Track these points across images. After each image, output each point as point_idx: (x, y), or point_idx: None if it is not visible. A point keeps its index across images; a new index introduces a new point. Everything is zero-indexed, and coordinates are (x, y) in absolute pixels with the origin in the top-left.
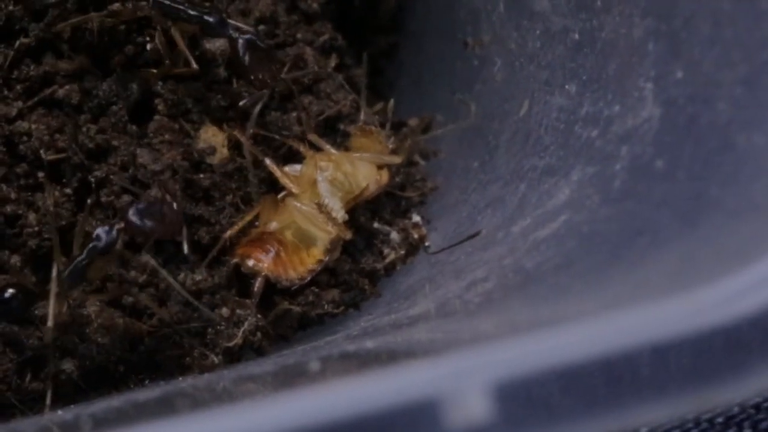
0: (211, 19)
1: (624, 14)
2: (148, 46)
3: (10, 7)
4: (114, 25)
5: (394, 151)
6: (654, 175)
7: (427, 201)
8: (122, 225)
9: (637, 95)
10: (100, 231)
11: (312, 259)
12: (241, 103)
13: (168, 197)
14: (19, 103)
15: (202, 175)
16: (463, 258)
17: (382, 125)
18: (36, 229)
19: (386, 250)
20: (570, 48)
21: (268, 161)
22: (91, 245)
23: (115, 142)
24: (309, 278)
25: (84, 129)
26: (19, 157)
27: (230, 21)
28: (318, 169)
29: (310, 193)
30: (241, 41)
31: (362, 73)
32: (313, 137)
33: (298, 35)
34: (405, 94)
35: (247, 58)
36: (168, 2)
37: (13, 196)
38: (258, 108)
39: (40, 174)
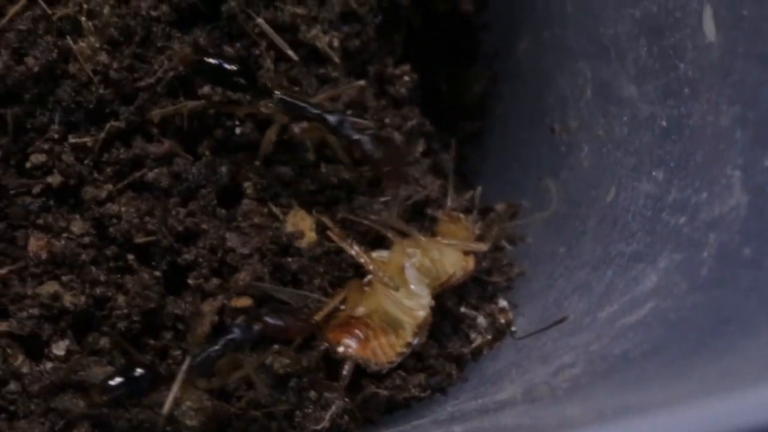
0: (332, 119)
1: (711, 102)
2: (237, 131)
3: (101, 91)
4: (204, 109)
5: (480, 238)
6: (742, 263)
7: (514, 286)
8: (261, 324)
9: (725, 182)
10: (237, 326)
11: (400, 343)
12: (382, 200)
13: None
14: (109, 186)
15: (290, 259)
16: (549, 343)
17: (469, 211)
18: (125, 311)
19: (473, 335)
20: (657, 135)
21: (355, 249)
22: (228, 338)
23: (204, 226)
24: (398, 362)
25: (173, 212)
26: (109, 239)
27: (350, 118)
28: (405, 256)
29: (397, 279)
30: (365, 139)
31: (449, 158)
32: (399, 223)
33: (387, 120)
34: (491, 179)
35: (376, 153)
36: (292, 100)
37: (102, 278)
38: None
39: (130, 256)
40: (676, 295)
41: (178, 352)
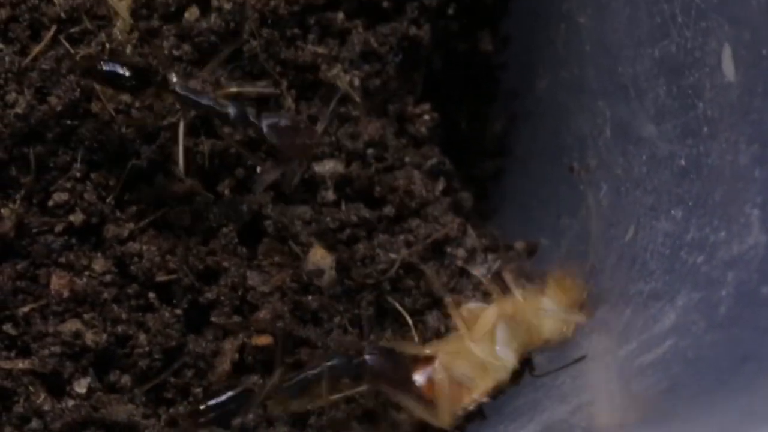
0: (232, 111)
1: (730, 141)
2: (258, 170)
3: (123, 130)
4: (225, 149)
5: (582, 306)
6: (760, 302)
7: None
8: (362, 359)
9: (743, 221)
10: (338, 356)
11: (467, 398)
12: (290, 183)
13: None
14: (131, 225)
15: (310, 297)
16: (568, 381)
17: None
18: (146, 349)
19: None
20: (676, 174)
21: (448, 299)
22: (329, 364)
23: (225, 264)
24: (457, 416)
25: (194, 251)
26: (130, 277)
27: (249, 108)
28: (500, 316)
29: (485, 337)
30: (264, 127)
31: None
32: (507, 276)
33: (407, 159)
34: (510, 217)
35: (276, 138)
36: (186, 93)
37: (124, 316)
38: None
39: (151, 295)
40: (694, 334)
41: (198, 390)
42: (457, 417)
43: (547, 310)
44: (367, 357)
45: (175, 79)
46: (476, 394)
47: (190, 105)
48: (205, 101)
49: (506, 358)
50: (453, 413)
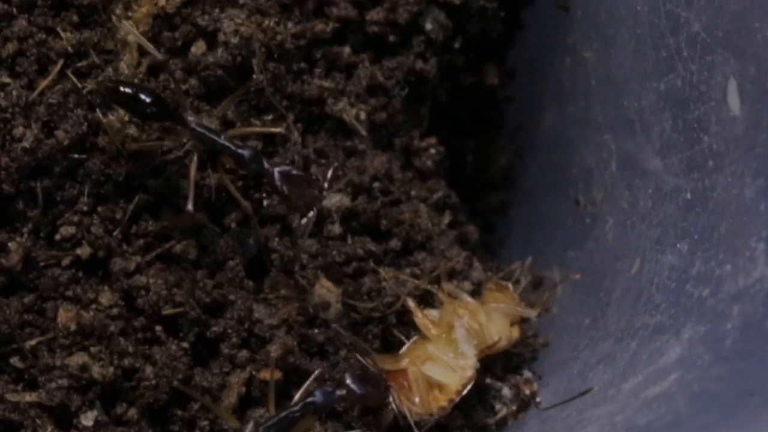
0: (246, 153)
1: (736, 174)
2: (265, 203)
3: (130, 164)
4: (231, 182)
5: (530, 305)
6: (766, 335)
7: (539, 357)
8: (344, 391)
9: (749, 255)
10: (320, 391)
11: (443, 398)
12: (299, 236)
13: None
14: (138, 258)
15: (316, 330)
16: (574, 414)
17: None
18: (153, 382)
19: (498, 406)
20: (682, 207)
21: (410, 302)
22: (309, 400)
23: (231, 297)
24: (437, 416)
25: (201, 284)
26: (137, 310)
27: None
28: (455, 316)
29: (445, 338)
30: (276, 174)
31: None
32: (449, 286)
33: (413, 192)
34: (516, 250)
35: (285, 188)
36: (203, 131)
37: (130, 349)
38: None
39: (158, 328)
40: (700, 367)
41: (205, 423)
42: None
43: (495, 307)
44: (349, 384)
45: (191, 117)
46: (450, 394)
47: (206, 143)
48: (221, 141)
49: (469, 354)
50: (430, 414)
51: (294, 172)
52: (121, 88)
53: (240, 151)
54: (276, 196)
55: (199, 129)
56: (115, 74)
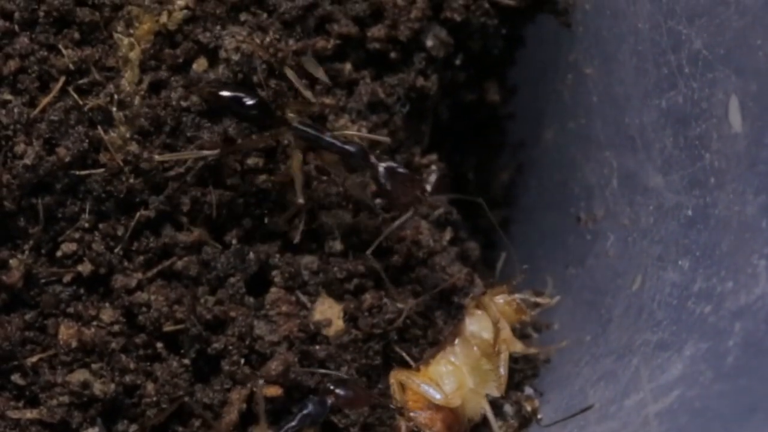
0: (351, 149)
1: (737, 191)
2: (266, 220)
3: (131, 180)
4: (232, 199)
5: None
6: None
7: (540, 373)
8: (333, 396)
9: (751, 272)
10: (311, 402)
11: None
12: (389, 229)
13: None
14: (139, 275)
15: (317, 347)
16: (575, 431)
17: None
18: (154, 399)
19: (499, 422)
20: (683, 224)
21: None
22: (304, 413)
23: (232, 314)
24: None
25: (202, 300)
26: (138, 327)
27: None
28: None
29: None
30: (380, 170)
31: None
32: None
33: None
34: (517, 267)
35: (388, 184)
36: (307, 129)
37: (132, 366)
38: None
39: (159, 345)
40: (701, 384)
41: None
42: None
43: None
44: (338, 392)
45: (292, 114)
46: None
47: (310, 141)
48: (326, 138)
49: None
50: None
51: (399, 169)
52: (224, 93)
53: (347, 147)
54: (381, 194)
55: (302, 128)
56: (116, 91)
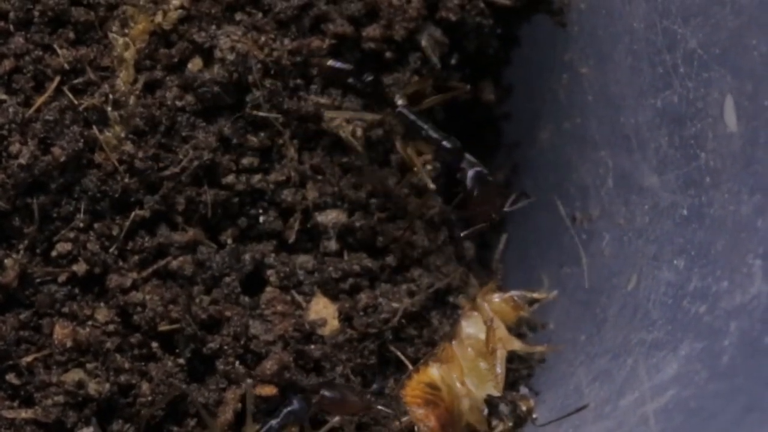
0: (449, 145)
1: (732, 191)
2: (261, 219)
3: (126, 180)
4: (227, 198)
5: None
6: (763, 351)
7: (535, 373)
8: (318, 396)
9: (746, 271)
10: (296, 398)
11: None
12: (462, 234)
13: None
14: (134, 274)
15: (312, 346)
16: (570, 431)
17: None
18: (149, 398)
19: (494, 422)
20: (678, 223)
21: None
22: (288, 410)
23: (227, 313)
24: None
25: (197, 300)
26: (133, 327)
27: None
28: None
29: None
30: (470, 173)
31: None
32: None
33: (408, 208)
34: (512, 267)
35: (475, 189)
36: (414, 118)
37: (126, 365)
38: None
39: (154, 344)
40: (696, 384)
41: None
42: None
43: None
44: (324, 393)
45: (401, 101)
46: None
47: (413, 128)
48: (427, 127)
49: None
50: None
51: (488, 177)
52: (340, 65)
53: (444, 142)
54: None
55: (405, 112)
56: (111, 91)
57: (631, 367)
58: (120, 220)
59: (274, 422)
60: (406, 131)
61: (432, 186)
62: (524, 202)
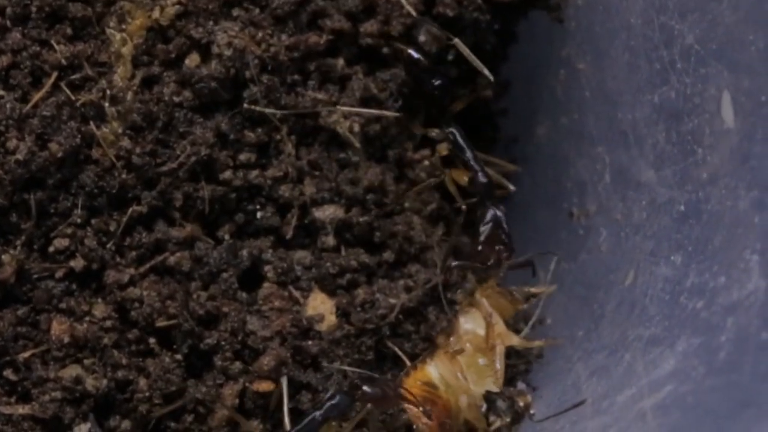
0: (484, 179)
1: (730, 187)
2: (258, 215)
3: (123, 176)
4: (225, 194)
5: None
6: (760, 347)
7: (533, 369)
8: (360, 393)
9: (743, 267)
10: (340, 393)
11: None
12: (454, 264)
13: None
14: (131, 270)
15: (310, 342)
16: (568, 426)
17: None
18: (147, 394)
19: (492, 418)
20: (676, 219)
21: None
22: (331, 404)
23: (225, 309)
24: None
25: (194, 296)
26: (131, 323)
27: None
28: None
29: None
30: (490, 212)
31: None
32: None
33: (406, 204)
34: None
35: (488, 229)
36: (462, 142)
37: (124, 361)
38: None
39: (152, 340)
40: (693, 379)
41: None
42: None
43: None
44: (365, 388)
45: (454, 129)
46: None
47: (455, 148)
48: (470, 156)
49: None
50: None
51: (504, 224)
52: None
53: (479, 174)
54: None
55: (455, 136)
56: (108, 86)
57: (628, 363)
58: (117, 215)
59: (318, 414)
60: (449, 149)
61: (483, 180)
62: (523, 266)
